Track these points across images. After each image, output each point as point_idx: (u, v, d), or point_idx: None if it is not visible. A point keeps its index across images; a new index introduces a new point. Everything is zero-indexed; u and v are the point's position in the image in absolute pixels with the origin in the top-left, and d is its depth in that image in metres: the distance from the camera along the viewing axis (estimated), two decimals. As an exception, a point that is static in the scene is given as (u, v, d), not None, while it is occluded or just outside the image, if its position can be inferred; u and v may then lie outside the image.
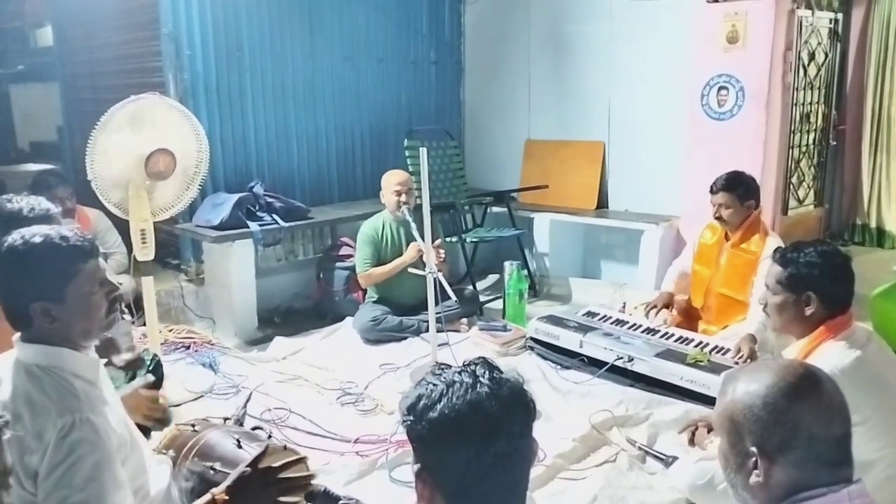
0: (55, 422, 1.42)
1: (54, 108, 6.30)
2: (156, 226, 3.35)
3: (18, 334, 1.54)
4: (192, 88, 4.18)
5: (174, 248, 4.49)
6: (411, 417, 1.09)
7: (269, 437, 2.09)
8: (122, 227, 3.48)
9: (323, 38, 4.77)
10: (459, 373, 1.11)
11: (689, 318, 3.59)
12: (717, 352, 3.17)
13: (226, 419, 2.20)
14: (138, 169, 2.85)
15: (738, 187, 3.32)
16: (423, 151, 3.22)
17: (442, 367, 1.14)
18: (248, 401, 2.42)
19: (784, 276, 2.06)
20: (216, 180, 4.32)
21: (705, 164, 4.12)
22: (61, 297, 1.47)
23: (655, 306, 3.52)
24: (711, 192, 3.35)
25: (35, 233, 1.49)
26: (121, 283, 3.27)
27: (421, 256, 3.34)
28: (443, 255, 3.77)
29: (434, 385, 1.09)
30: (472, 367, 1.12)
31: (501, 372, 1.12)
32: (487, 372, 1.11)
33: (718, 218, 3.36)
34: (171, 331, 3.89)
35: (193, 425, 2.08)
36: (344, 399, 3.10)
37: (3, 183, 5.24)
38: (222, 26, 4.26)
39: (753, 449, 1.17)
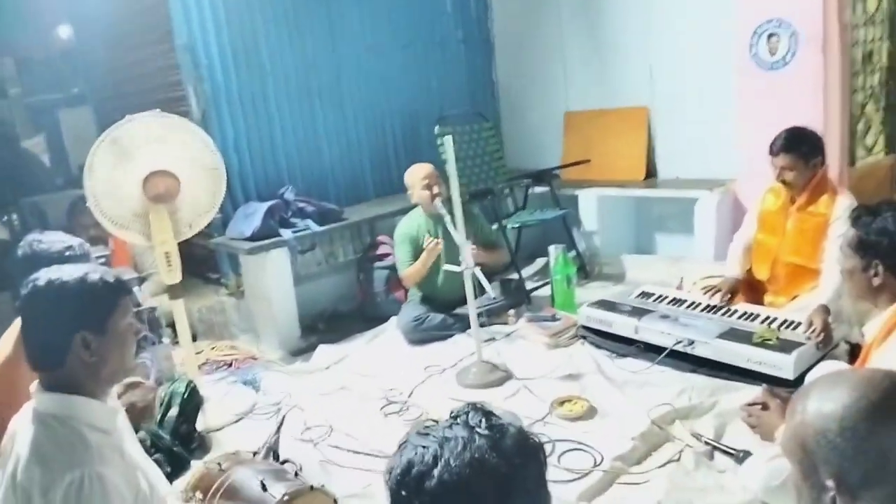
0: (63, 476, 1.37)
1: (92, 131, 6.38)
2: (192, 241, 3.29)
3: (36, 384, 1.51)
4: (213, 99, 4.09)
5: (213, 263, 4.44)
6: (404, 492, 0.91)
7: (297, 474, 1.97)
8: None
9: (344, 30, 4.61)
10: (451, 426, 0.93)
11: (753, 291, 3.30)
12: (787, 327, 2.89)
13: (255, 453, 2.09)
14: (139, 195, 2.76)
15: (801, 146, 3.00)
16: (449, 140, 3.04)
17: (429, 422, 0.96)
18: (280, 427, 2.31)
19: (853, 240, 1.93)
20: (247, 190, 4.24)
21: (760, 120, 3.79)
22: (103, 329, 1.49)
23: (718, 290, 3.22)
24: (771, 153, 3.04)
25: (75, 269, 1.53)
26: (157, 306, 3.25)
27: (457, 251, 3.15)
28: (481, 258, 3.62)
29: (424, 447, 0.91)
30: (465, 416, 0.93)
31: (499, 417, 0.94)
32: (483, 420, 0.92)
33: (782, 181, 3.06)
34: (213, 348, 3.84)
35: (220, 464, 1.98)
36: (388, 409, 2.96)
37: (43, 212, 5.31)
38: (238, 31, 4.13)
39: (830, 482, 0.96)
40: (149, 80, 4.69)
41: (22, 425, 1.49)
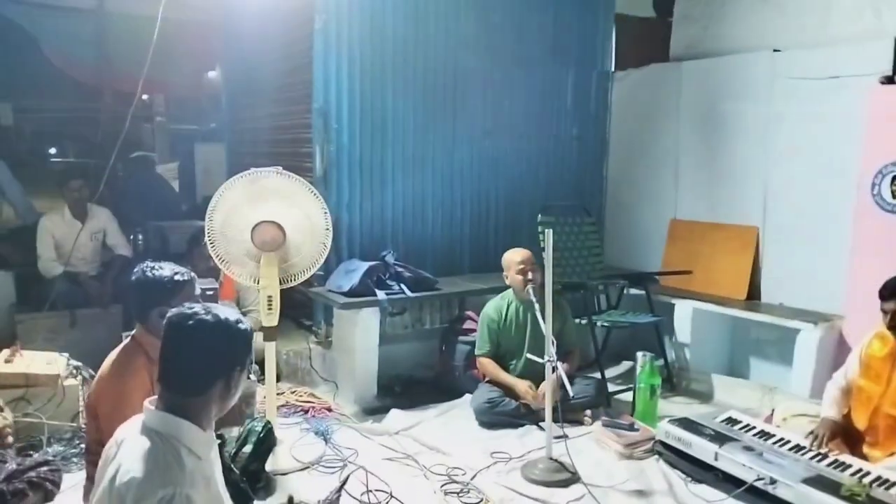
0: (157, 491, 1.47)
1: (222, 167, 6.86)
2: (293, 287, 3.46)
3: (154, 401, 1.61)
4: (336, 159, 4.36)
5: (308, 310, 4.63)
6: None
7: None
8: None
9: (465, 114, 4.83)
10: None
11: (849, 438, 3.11)
12: (881, 485, 2.70)
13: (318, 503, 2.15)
14: (246, 240, 2.97)
15: None
16: (549, 233, 3.11)
17: None
18: (343, 485, 2.36)
19: None
20: (352, 247, 4.45)
21: (876, 260, 3.66)
22: (243, 368, 1.65)
23: (820, 436, 3.03)
24: (882, 297, 2.93)
25: (229, 311, 1.67)
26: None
27: (542, 341, 3.17)
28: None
29: None
30: None
31: None
32: None
33: (892, 327, 2.93)
34: (293, 392, 3.96)
35: (284, 509, 2.04)
36: (448, 487, 2.96)
37: (166, 237, 5.71)
38: (369, 104, 4.43)
39: None
40: (281, 132, 5.07)
41: (129, 435, 1.60)
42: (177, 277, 2.41)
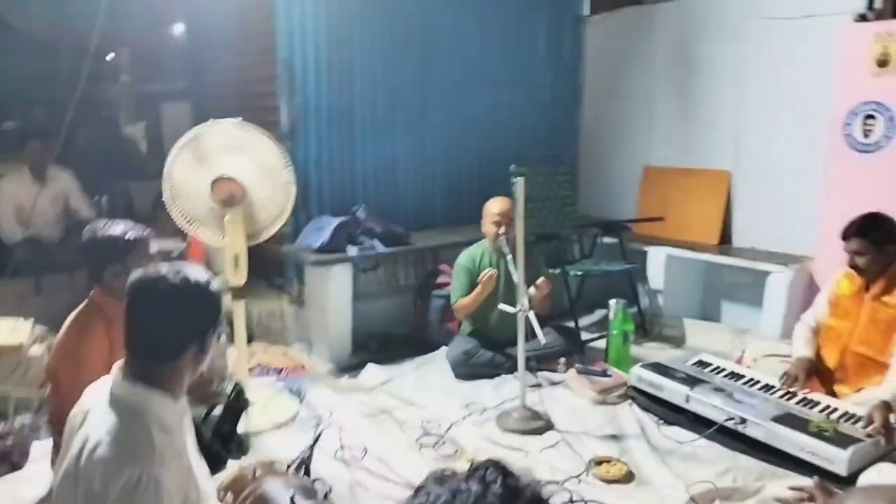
0: (124, 471, 1.39)
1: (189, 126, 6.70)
2: (263, 246, 3.40)
3: (119, 365, 1.53)
4: (303, 112, 4.25)
5: (280, 269, 4.57)
6: None
7: (327, 495, 2.00)
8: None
9: (435, 64, 4.72)
10: (467, 479, 0.93)
11: (820, 377, 3.16)
12: (847, 420, 2.75)
13: (289, 466, 2.14)
14: (207, 198, 2.90)
15: (874, 231, 2.89)
16: (521, 182, 3.06)
17: (445, 472, 0.97)
18: (315, 442, 2.35)
19: None
20: (322, 203, 4.37)
21: (846, 200, 3.65)
22: (216, 329, 1.56)
23: (793, 376, 3.05)
24: (843, 237, 2.95)
25: (198, 271, 1.56)
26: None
27: (515, 291, 3.15)
28: (545, 290, 3.58)
29: (437, 495, 0.92)
30: (483, 471, 0.94)
31: (517, 477, 0.94)
32: (500, 478, 0.92)
33: (854, 266, 2.95)
34: (266, 352, 3.93)
35: (255, 470, 2.02)
36: (424, 440, 2.97)
37: (131, 198, 5.59)
38: (336, 55, 4.30)
39: None
40: (247, 86, 4.91)
41: (96, 406, 1.51)
42: (129, 235, 2.33)
